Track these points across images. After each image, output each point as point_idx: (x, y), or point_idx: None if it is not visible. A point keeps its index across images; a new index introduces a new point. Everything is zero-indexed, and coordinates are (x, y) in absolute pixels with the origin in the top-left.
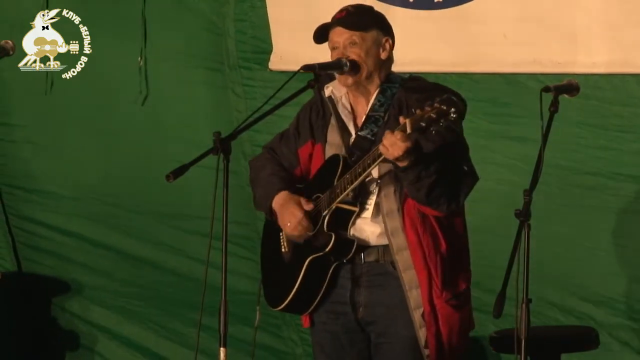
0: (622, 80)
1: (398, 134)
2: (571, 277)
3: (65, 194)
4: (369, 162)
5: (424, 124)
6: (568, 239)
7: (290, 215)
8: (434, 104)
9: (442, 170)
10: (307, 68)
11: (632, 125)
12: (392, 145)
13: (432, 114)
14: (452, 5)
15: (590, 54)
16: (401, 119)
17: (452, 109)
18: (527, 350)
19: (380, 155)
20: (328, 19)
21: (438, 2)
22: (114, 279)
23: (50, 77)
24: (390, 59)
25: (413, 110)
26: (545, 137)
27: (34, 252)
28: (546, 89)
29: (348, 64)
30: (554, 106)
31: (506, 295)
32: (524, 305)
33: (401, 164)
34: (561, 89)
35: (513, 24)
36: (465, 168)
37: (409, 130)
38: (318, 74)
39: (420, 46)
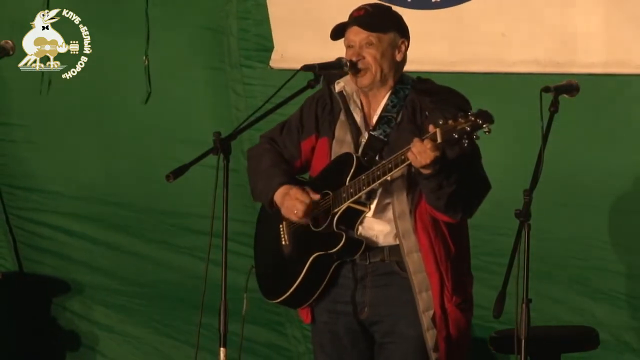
0: (621, 80)
1: (428, 143)
2: (573, 275)
3: (66, 193)
4: (390, 166)
5: (456, 136)
6: (569, 239)
7: (294, 201)
8: (468, 115)
9: (462, 180)
10: (307, 68)
11: (631, 124)
12: (421, 153)
13: (466, 127)
14: (450, 5)
15: (589, 54)
16: (431, 128)
17: (487, 125)
18: (527, 350)
19: (404, 160)
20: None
21: (436, 2)
22: (114, 278)
23: (47, 77)
24: (404, 61)
25: (444, 120)
26: (545, 137)
27: (35, 252)
28: (546, 89)
29: (348, 63)
30: (554, 106)
31: (506, 294)
32: (524, 305)
33: (425, 172)
34: (561, 89)
35: (511, 24)
36: (480, 177)
37: (439, 140)
38: (318, 73)
39: (419, 46)
